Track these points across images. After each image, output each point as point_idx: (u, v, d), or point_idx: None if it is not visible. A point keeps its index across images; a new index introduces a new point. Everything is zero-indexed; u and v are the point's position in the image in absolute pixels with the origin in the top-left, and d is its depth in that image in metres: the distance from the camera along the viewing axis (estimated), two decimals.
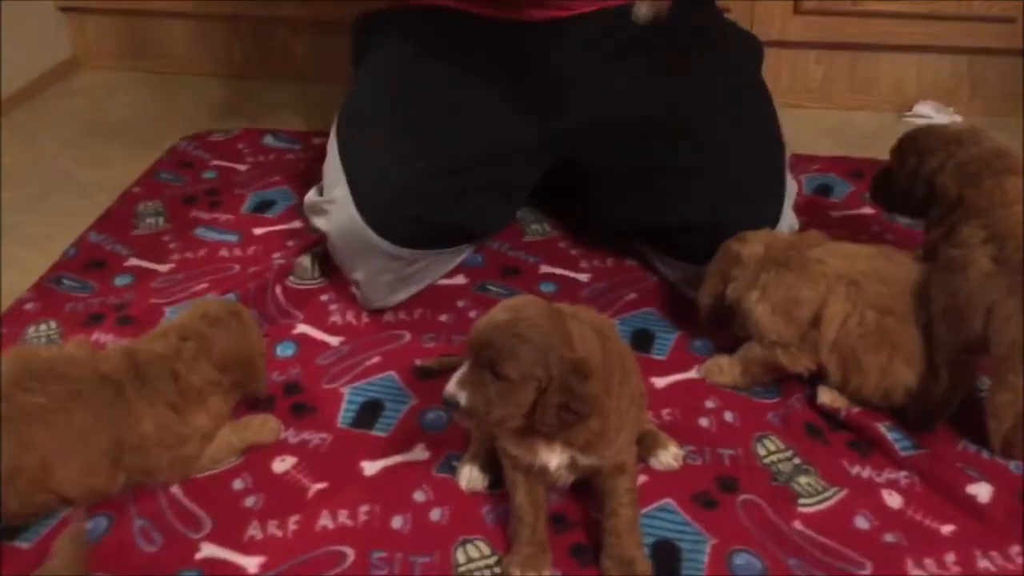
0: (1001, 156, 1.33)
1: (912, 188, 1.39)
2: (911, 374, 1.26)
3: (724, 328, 1.40)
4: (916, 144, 1.41)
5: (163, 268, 1.67)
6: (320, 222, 1.53)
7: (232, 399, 1.27)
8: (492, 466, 1.19)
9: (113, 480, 1.17)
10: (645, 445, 1.23)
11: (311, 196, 1.58)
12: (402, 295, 1.53)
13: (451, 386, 1.01)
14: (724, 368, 1.38)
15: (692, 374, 1.40)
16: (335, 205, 1.47)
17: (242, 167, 2.02)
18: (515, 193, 1.63)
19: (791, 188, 1.54)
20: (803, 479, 1.22)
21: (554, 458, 1.07)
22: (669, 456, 1.23)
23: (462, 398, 1.01)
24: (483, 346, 0.99)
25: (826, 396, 1.32)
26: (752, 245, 1.36)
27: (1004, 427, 1.20)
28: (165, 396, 1.18)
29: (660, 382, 1.39)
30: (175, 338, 1.22)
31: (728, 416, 1.32)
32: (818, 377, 1.33)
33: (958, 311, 1.20)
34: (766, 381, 1.36)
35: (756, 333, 1.33)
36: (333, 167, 1.52)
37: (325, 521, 1.17)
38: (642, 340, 1.47)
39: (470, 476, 1.20)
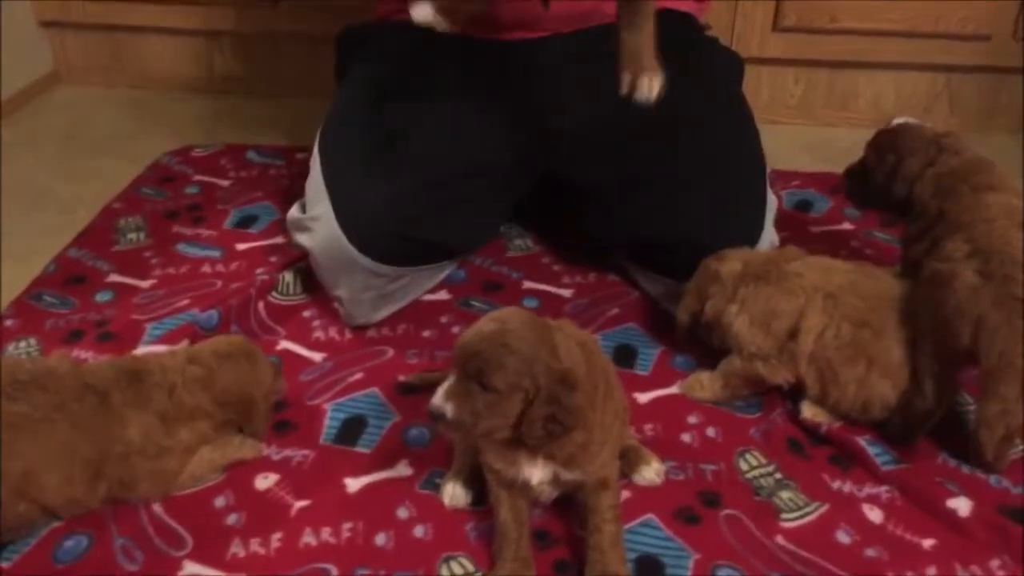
0: (980, 169, 1.35)
1: (891, 187, 1.40)
2: (888, 387, 1.28)
3: (700, 344, 1.42)
4: (895, 142, 1.41)
5: (144, 284, 1.66)
6: (303, 239, 1.53)
7: (223, 432, 1.26)
8: (475, 483, 1.19)
9: (94, 491, 1.16)
10: (628, 460, 1.23)
11: (294, 212, 1.58)
12: (385, 312, 1.53)
13: (437, 398, 1.01)
14: (704, 383, 1.39)
15: (674, 389, 1.41)
16: (318, 222, 1.47)
17: (225, 182, 2.01)
18: (497, 209, 1.64)
19: (772, 204, 1.55)
20: (785, 494, 1.22)
21: (536, 472, 1.08)
22: (651, 472, 1.23)
23: (448, 410, 1.00)
24: (470, 357, 0.99)
25: (808, 411, 1.33)
26: (730, 263, 1.37)
27: (996, 438, 1.21)
28: (156, 404, 1.19)
29: (643, 397, 1.39)
30: (183, 358, 1.24)
31: (710, 431, 1.33)
32: (798, 392, 1.34)
33: (945, 324, 1.21)
34: (746, 394, 1.37)
35: (736, 345, 1.34)
36: (315, 183, 1.51)
37: (308, 538, 1.16)
38: (625, 355, 1.48)
39: (453, 493, 1.20)
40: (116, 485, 1.18)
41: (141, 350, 1.44)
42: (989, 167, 1.36)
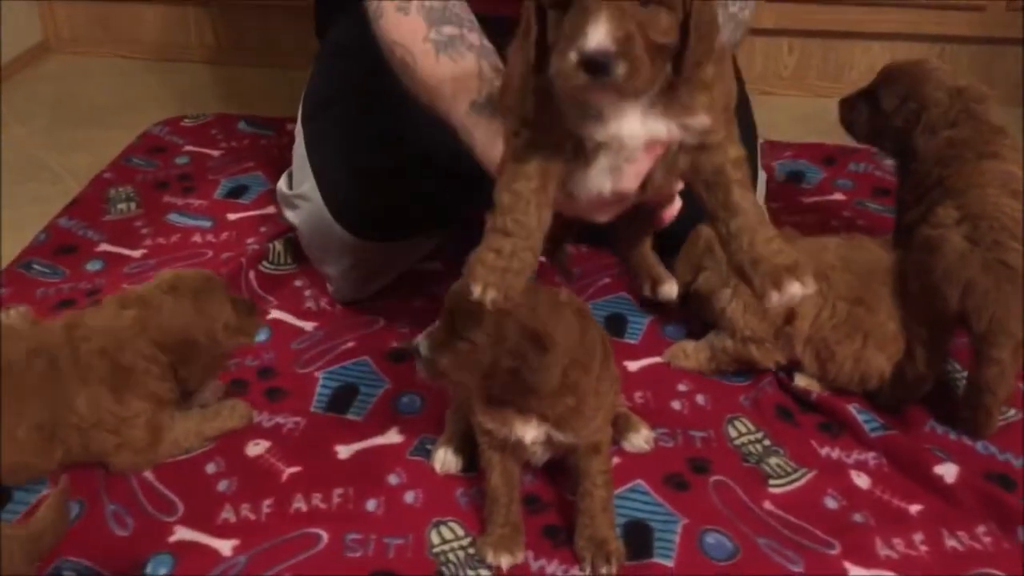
0: (989, 139, 1.32)
1: (909, 134, 1.35)
2: (883, 359, 1.28)
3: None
4: (920, 89, 1.35)
5: (135, 254, 1.66)
6: (290, 215, 1.53)
7: (183, 381, 1.22)
8: (466, 449, 1.20)
9: (48, 456, 1.15)
10: (617, 427, 1.24)
11: (282, 186, 1.57)
12: (373, 287, 1.53)
13: (420, 336, 1.04)
14: (689, 352, 1.39)
15: (662, 358, 1.41)
16: (304, 200, 1.47)
17: (215, 152, 2.01)
18: (483, 182, 1.62)
19: (760, 178, 1.55)
20: (773, 460, 1.23)
21: (529, 432, 1.08)
22: (640, 439, 1.24)
23: (423, 347, 1.03)
24: (452, 305, 1.02)
25: (802, 381, 1.33)
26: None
27: (1000, 400, 1.22)
28: (97, 374, 1.15)
29: (633, 365, 1.40)
30: (114, 308, 1.19)
31: (700, 399, 1.34)
32: (792, 367, 1.35)
33: (934, 289, 1.22)
34: (731, 371, 1.38)
35: (729, 328, 1.34)
36: (300, 157, 1.51)
37: (299, 504, 1.17)
38: (615, 324, 1.48)
39: (444, 459, 1.21)
40: (82, 453, 1.16)
41: None
42: (999, 136, 1.33)
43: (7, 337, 1.15)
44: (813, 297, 1.29)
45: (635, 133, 0.89)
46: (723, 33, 1.23)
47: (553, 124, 0.90)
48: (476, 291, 0.89)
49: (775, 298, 0.91)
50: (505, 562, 1.08)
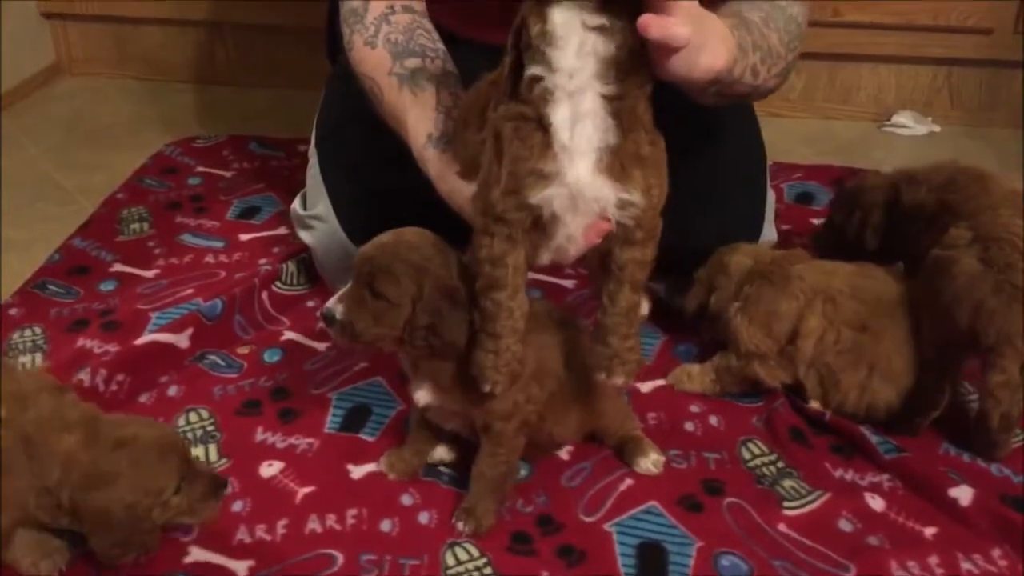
0: (956, 163, 1.40)
1: (863, 239, 1.47)
2: (892, 392, 1.28)
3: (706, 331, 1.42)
4: (857, 198, 1.49)
5: (148, 274, 1.66)
6: (305, 236, 1.54)
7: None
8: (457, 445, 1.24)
9: None
10: (627, 450, 1.25)
11: (296, 207, 1.58)
12: None
13: (331, 301, 1.06)
14: (693, 375, 1.39)
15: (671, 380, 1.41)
16: (319, 221, 1.48)
17: (227, 173, 2.02)
18: None
19: (770, 201, 1.56)
20: (787, 482, 1.23)
21: (421, 395, 1.13)
22: (648, 462, 1.24)
23: (339, 311, 1.05)
24: (363, 264, 1.04)
25: (815, 403, 1.33)
26: (740, 257, 1.37)
27: (1002, 408, 1.22)
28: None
29: (645, 387, 1.40)
30: (64, 423, 1.05)
31: (713, 420, 1.34)
32: (797, 390, 1.35)
33: (945, 309, 1.22)
34: (736, 392, 1.38)
35: (734, 344, 1.34)
36: (314, 178, 1.52)
37: (313, 525, 1.17)
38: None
39: (440, 453, 1.25)
40: None
41: (146, 339, 1.43)
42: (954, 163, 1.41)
43: None
44: (818, 318, 1.30)
45: (585, 183, 0.93)
46: (777, 26, 1.25)
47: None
48: (486, 388, 1.04)
49: (600, 377, 1.05)
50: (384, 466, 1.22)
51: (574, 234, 0.98)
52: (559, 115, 0.91)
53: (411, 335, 1.05)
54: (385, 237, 1.07)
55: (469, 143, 1.06)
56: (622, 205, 0.95)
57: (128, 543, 1.05)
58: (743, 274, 1.35)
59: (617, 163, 0.93)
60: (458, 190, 1.12)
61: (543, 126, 0.91)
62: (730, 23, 1.18)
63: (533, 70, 0.90)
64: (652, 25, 0.87)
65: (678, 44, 0.91)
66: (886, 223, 1.44)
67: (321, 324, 1.47)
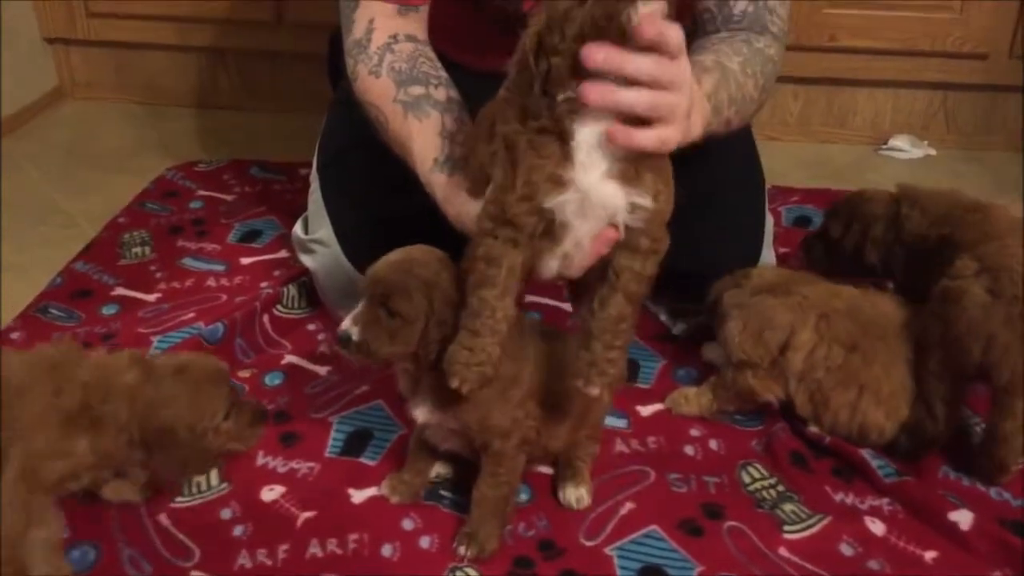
0: (953, 192, 1.41)
1: (862, 254, 1.46)
2: (882, 416, 1.29)
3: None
4: (859, 209, 1.48)
5: (150, 298, 1.67)
6: (306, 260, 1.55)
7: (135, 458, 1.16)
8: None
9: None
10: (564, 474, 1.25)
11: (297, 231, 1.59)
12: None
13: (345, 322, 1.07)
14: (690, 398, 1.40)
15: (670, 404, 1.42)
16: (320, 245, 1.49)
17: (228, 197, 2.03)
18: None
19: (769, 224, 1.56)
20: (788, 506, 1.23)
21: (420, 412, 1.14)
22: (573, 495, 1.23)
23: (355, 332, 1.06)
24: (377, 284, 1.05)
25: (815, 427, 1.34)
26: (764, 271, 1.42)
27: (1016, 453, 1.23)
28: (63, 400, 1.11)
29: (645, 410, 1.40)
30: (128, 361, 1.17)
31: (713, 444, 1.34)
32: (794, 413, 1.35)
33: (955, 342, 1.22)
34: (733, 410, 1.38)
35: (727, 351, 1.36)
36: (316, 203, 1.53)
37: (314, 549, 1.17)
38: (627, 369, 1.48)
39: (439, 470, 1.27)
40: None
41: None
42: (953, 194, 1.42)
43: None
44: (810, 332, 1.31)
45: (596, 188, 0.95)
46: (755, 71, 1.31)
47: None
48: (454, 383, 1.02)
49: (579, 384, 1.04)
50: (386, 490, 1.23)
51: (582, 240, 1.00)
52: (585, 132, 0.94)
53: (426, 349, 1.07)
54: (394, 256, 1.08)
55: (480, 157, 1.08)
56: (632, 208, 0.97)
57: (189, 462, 1.18)
58: (756, 286, 1.37)
59: (631, 168, 0.95)
60: (466, 211, 1.13)
61: (562, 137, 0.94)
62: (711, 81, 1.24)
63: (566, 94, 0.92)
64: (618, 136, 0.93)
65: (644, 150, 0.95)
66: (887, 238, 1.44)
67: (323, 348, 1.52)
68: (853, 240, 1.48)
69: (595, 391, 1.05)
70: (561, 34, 0.90)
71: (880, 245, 1.45)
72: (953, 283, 1.25)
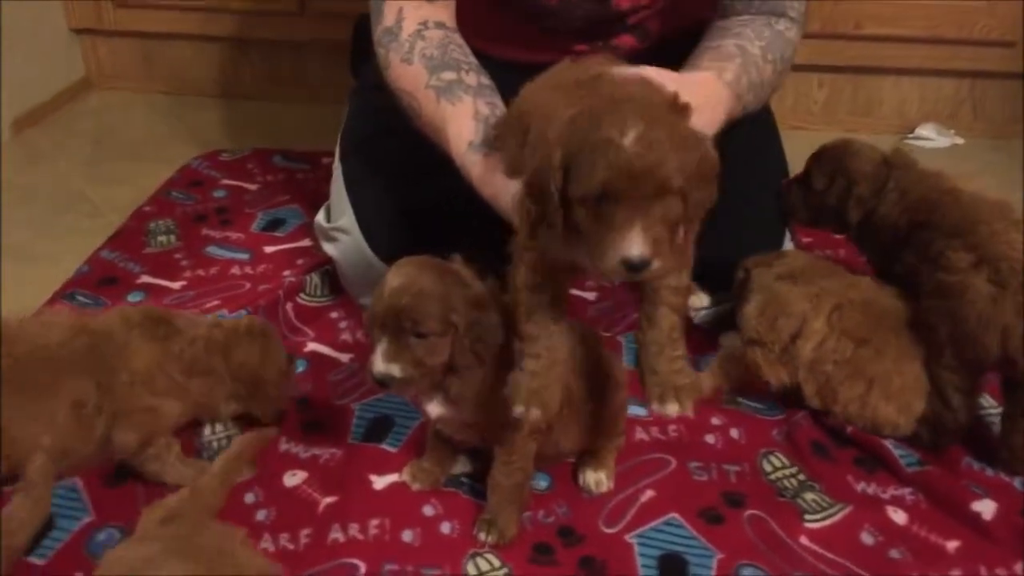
0: (938, 175, 1.38)
1: (844, 209, 1.42)
2: (893, 411, 1.28)
3: None
4: (844, 163, 1.43)
5: (175, 285, 1.69)
6: (328, 248, 1.56)
7: (228, 405, 1.31)
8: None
9: (87, 438, 1.20)
10: (585, 459, 1.25)
11: (320, 219, 1.60)
12: None
13: (379, 365, 1.05)
14: (703, 378, 1.39)
15: None
16: (343, 234, 1.49)
17: (252, 186, 2.05)
18: None
19: None
20: (809, 495, 1.23)
21: (432, 408, 1.14)
22: (592, 478, 1.24)
23: (396, 370, 1.05)
24: (391, 317, 1.04)
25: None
26: (798, 257, 1.42)
27: None
28: (175, 346, 1.25)
29: None
30: (208, 322, 1.31)
31: (734, 433, 1.34)
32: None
33: (969, 336, 1.21)
34: (738, 387, 1.39)
35: (741, 327, 1.37)
36: (338, 191, 1.53)
37: (336, 535, 1.18)
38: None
39: (463, 460, 1.26)
40: (109, 420, 1.20)
41: None
42: (943, 174, 1.39)
43: (46, 324, 1.23)
44: (822, 322, 1.30)
45: None
46: (775, 56, 1.33)
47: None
48: (519, 411, 1.04)
49: (655, 408, 1.03)
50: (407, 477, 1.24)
51: None
52: None
53: (462, 354, 1.07)
54: (394, 283, 1.05)
55: (510, 149, 1.10)
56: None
57: (279, 400, 1.33)
58: (787, 271, 1.38)
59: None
60: (502, 191, 1.15)
61: None
62: (733, 68, 1.26)
63: None
64: None
65: None
66: (871, 201, 1.40)
67: (348, 362, 1.53)
68: (836, 195, 1.43)
69: (675, 409, 1.03)
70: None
71: (863, 204, 1.40)
72: (952, 278, 1.23)
